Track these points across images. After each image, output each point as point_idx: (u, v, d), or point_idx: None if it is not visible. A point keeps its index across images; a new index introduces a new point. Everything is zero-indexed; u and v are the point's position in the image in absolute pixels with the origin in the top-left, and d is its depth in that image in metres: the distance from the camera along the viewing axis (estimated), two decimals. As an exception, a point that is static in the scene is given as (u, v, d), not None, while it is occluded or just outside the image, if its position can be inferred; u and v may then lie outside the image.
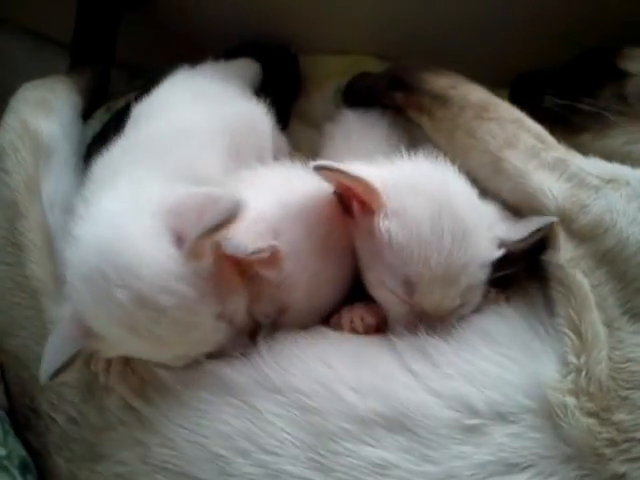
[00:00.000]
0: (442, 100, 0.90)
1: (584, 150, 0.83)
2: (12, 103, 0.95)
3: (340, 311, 0.79)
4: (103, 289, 0.63)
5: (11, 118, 0.93)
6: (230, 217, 0.62)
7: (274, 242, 0.71)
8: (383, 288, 0.75)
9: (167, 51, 0.97)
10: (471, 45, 1.07)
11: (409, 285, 0.73)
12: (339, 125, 1.02)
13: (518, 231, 0.77)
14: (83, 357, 0.72)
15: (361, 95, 1.06)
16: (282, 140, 1.04)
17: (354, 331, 0.77)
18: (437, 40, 1.07)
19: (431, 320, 0.74)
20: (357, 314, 0.78)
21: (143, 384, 0.73)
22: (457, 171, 0.77)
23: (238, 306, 0.71)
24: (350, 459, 0.65)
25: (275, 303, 0.75)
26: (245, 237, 0.69)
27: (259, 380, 0.70)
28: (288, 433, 0.67)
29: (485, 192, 0.82)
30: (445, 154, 0.79)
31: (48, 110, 0.95)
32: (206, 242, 0.65)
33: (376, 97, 1.02)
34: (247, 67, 1.07)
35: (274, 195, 0.77)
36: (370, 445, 0.66)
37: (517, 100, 0.92)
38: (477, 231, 0.74)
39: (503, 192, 0.82)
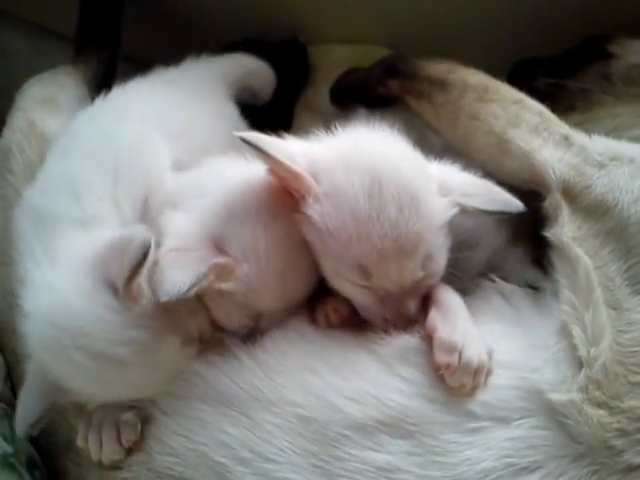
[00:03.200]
0: (441, 85, 0.89)
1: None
2: (18, 100, 0.94)
3: (314, 309, 0.75)
4: (63, 355, 0.66)
5: (19, 117, 0.92)
6: (144, 254, 0.64)
7: (216, 259, 0.67)
8: (339, 278, 0.70)
9: (173, 43, 0.96)
10: (479, 35, 1.07)
11: (362, 269, 0.68)
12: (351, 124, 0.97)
13: (483, 200, 0.71)
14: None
15: (351, 90, 1.05)
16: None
17: (331, 325, 0.73)
18: (446, 30, 1.07)
19: (398, 300, 0.70)
20: (330, 307, 0.74)
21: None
22: (398, 135, 0.73)
23: (200, 324, 0.72)
24: (355, 464, 0.65)
25: (248, 313, 0.72)
26: (182, 268, 0.64)
27: (253, 393, 0.69)
28: (288, 441, 0.66)
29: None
30: (449, 139, 0.79)
31: (55, 108, 0.93)
32: (136, 283, 0.65)
33: (369, 89, 1.00)
34: (228, 63, 1.03)
35: (210, 199, 0.72)
36: (374, 450, 0.65)
37: (513, 83, 0.91)
38: (427, 194, 0.69)
39: (510, 171, 0.82)
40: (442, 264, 0.72)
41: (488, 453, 0.64)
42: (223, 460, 0.67)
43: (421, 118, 0.92)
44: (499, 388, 0.67)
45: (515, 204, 0.72)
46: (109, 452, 0.71)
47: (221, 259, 0.67)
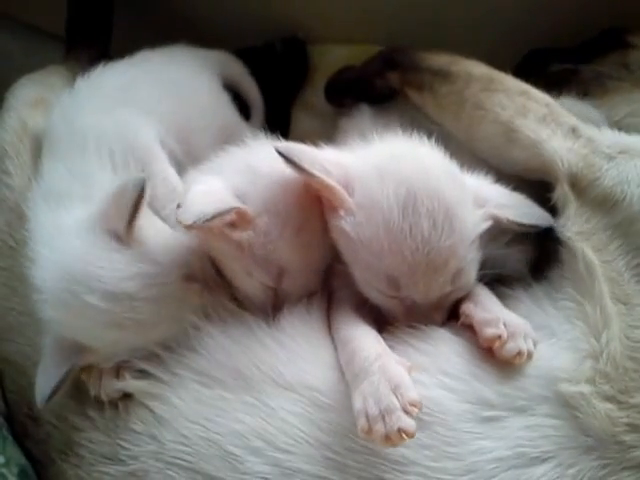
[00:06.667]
0: (444, 76, 0.88)
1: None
2: (10, 100, 0.93)
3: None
4: (76, 302, 0.69)
5: (12, 118, 0.91)
6: (139, 192, 0.68)
7: (236, 204, 0.69)
8: (369, 287, 0.71)
9: (168, 41, 0.96)
10: (480, 35, 1.07)
11: (392, 280, 0.68)
12: (353, 120, 0.98)
13: (517, 213, 0.72)
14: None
15: (346, 86, 1.05)
16: (238, 125, 1.02)
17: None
18: (446, 30, 1.07)
19: (425, 310, 0.71)
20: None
21: (158, 384, 0.72)
22: (434, 146, 0.74)
23: (202, 261, 0.75)
24: (368, 456, 0.64)
25: (269, 268, 0.72)
26: (205, 203, 0.67)
27: (273, 376, 0.69)
28: (303, 431, 0.66)
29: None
30: (452, 130, 0.79)
31: (46, 109, 0.91)
32: (137, 224, 0.70)
33: (366, 84, 1.00)
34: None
35: (234, 166, 0.76)
36: None
37: (524, 69, 0.92)
38: (462, 207, 0.69)
39: (517, 161, 0.82)
40: (472, 278, 0.72)
41: (501, 442, 0.64)
42: (236, 450, 0.66)
43: (421, 110, 0.92)
44: (520, 376, 0.67)
45: (546, 218, 0.74)
46: (107, 386, 0.73)
47: (241, 205, 0.69)
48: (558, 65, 0.89)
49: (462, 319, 0.71)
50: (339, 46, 1.17)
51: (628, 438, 0.64)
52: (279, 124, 1.07)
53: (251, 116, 1.07)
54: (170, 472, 0.67)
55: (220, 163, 0.79)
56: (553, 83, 0.86)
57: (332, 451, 0.64)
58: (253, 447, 0.66)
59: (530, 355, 0.67)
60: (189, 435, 0.68)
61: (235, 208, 0.68)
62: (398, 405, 0.59)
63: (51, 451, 0.76)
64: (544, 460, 0.64)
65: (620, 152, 0.76)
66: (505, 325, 0.67)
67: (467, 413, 0.65)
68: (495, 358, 0.68)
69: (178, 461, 0.67)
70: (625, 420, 0.65)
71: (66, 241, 0.72)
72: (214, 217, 0.66)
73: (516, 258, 0.80)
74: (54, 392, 0.69)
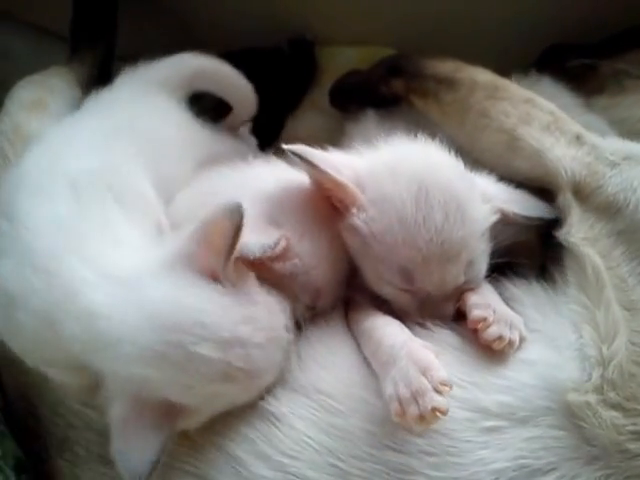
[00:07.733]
0: (449, 83, 0.89)
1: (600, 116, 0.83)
2: (7, 104, 0.91)
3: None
4: (182, 355, 0.61)
5: (4, 122, 0.89)
6: (237, 228, 0.62)
7: (280, 231, 0.70)
8: (382, 282, 0.72)
9: (173, 43, 0.94)
10: (488, 37, 1.08)
11: (406, 272, 0.70)
12: (359, 125, 0.99)
13: (523, 206, 0.75)
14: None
15: (351, 91, 1.05)
16: (237, 144, 1.00)
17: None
18: (454, 32, 1.07)
19: (437, 303, 0.72)
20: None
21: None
22: (440, 145, 0.75)
23: (297, 309, 0.73)
24: (371, 464, 0.64)
25: (310, 291, 0.74)
26: (253, 239, 0.66)
27: (289, 381, 0.69)
28: (309, 437, 0.65)
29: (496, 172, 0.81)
30: (455, 137, 0.80)
31: (43, 111, 0.90)
32: (234, 261, 0.64)
33: (370, 90, 1.00)
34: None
35: (259, 190, 0.75)
36: (392, 449, 0.64)
37: (543, 62, 0.92)
38: (471, 201, 0.72)
39: (519, 169, 0.82)
40: (483, 270, 0.74)
41: (502, 453, 0.64)
42: (242, 455, 0.66)
43: (426, 117, 0.92)
44: (523, 387, 0.67)
45: (550, 211, 0.77)
46: None
47: (284, 232, 0.70)
48: (576, 60, 0.89)
49: (459, 304, 0.72)
50: (348, 48, 1.18)
51: (633, 446, 0.63)
52: (275, 126, 1.10)
53: (233, 111, 1.02)
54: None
55: (233, 193, 0.76)
56: (569, 79, 0.86)
57: (337, 458, 0.64)
58: (260, 452, 0.66)
59: (512, 344, 0.68)
60: (194, 437, 0.67)
61: (283, 235, 0.69)
62: (429, 386, 0.61)
63: (49, 447, 0.76)
64: (547, 472, 0.63)
65: (624, 158, 0.76)
66: (494, 312, 0.69)
67: (468, 422, 0.65)
68: (480, 343, 0.69)
69: (180, 464, 0.67)
70: (630, 428, 0.64)
71: (142, 289, 0.63)
72: (276, 245, 0.67)
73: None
74: (153, 469, 0.59)
